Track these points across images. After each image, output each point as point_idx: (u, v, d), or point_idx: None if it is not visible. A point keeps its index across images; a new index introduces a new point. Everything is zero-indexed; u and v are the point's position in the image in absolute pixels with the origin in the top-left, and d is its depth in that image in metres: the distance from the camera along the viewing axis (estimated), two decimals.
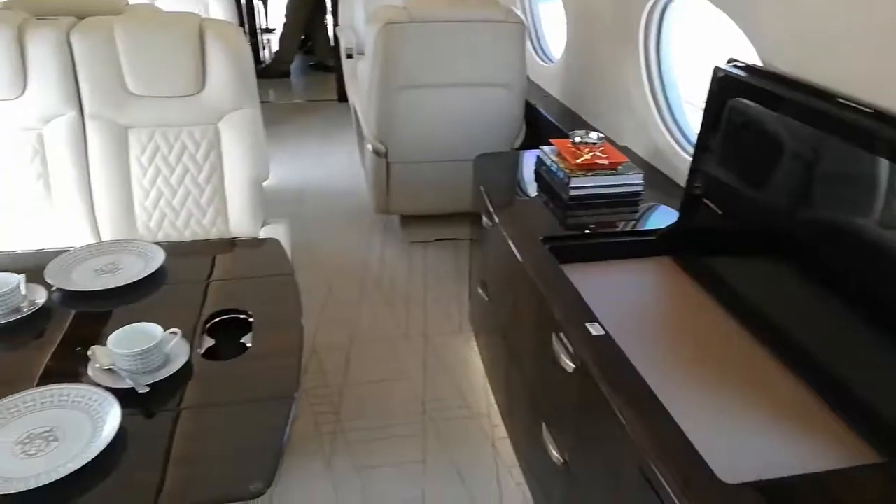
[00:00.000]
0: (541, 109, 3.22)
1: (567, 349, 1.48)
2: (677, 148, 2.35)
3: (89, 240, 2.20)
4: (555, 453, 1.62)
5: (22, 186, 2.12)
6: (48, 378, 1.26)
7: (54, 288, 1.49)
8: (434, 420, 2.27)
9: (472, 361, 2.56)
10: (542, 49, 3.75)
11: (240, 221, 2.29)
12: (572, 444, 1.56)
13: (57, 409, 1.14)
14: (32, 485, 0.99)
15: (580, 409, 1.49)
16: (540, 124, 3.21)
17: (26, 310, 1.39)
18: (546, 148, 2.32)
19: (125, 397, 1.17)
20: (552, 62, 3.56)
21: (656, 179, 2.29)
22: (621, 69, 2.57)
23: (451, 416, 2.29)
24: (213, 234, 2.30)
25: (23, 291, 1.40)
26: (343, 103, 5.49)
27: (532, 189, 2.28)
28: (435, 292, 3.00)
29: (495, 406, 2.30)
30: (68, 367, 1.28)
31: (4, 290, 1.36)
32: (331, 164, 4.35)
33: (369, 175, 3.30)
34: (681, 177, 2.23)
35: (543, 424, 1.70)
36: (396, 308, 2.89)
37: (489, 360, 2.42)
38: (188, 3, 4.55)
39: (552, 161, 2.24)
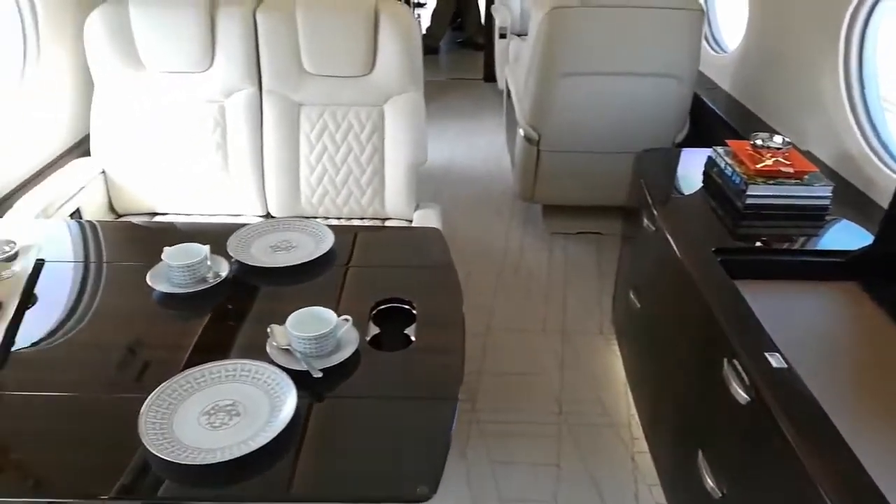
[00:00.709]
0: (709, 103, 3.01)
1: (741, 379, 1.37)
2: (873, 157, 2.10)
3: (258, 210, 2.32)
4: (710, 483, 1.51)
5: (203, 156, 2.26)
6: (229, 350, 1.32)
7: (234, 260, 1.56)
8: (570, 423, 2.21)
9: (614, 367, 2.46)
10: (713, 37, 3.49)
11: (395, 203, 2.33)
12: (734, 477, 1.44)
13: (239, 384, 1.20)
14: (218, 458, 1.04)
15: (750, 443, 1.37)
16: (705, 120, 3.00)
17: (211, 280, 1.47)
18: (720, 149, 2.15)
19: (298, 379, 1.20)
20: (725, 52, 3.31)
21: (845, 192, 2.06)
22: (813, 63, 2.33)
23: (589, 421, 2.22)
24: (370, 213, 2.35)
25: (208, 263, 1.48)
26: (489, 83, 5.44)
27: (698, 192, 2.13)
28: (576, 288, 2.92)
29: (637, 418, 2.20)
30: (248, 341, 1.34)
31: (194, 260, 1.45)
32: (474, 146, 4.33)
33: (517, 161, 3.24)
34: (876, 191, 2.00)
35: (699, 451, 1.59)
36: (534, 300, 2.84)
37: (634, 369, 2.31)
38: None
39: (727, 164, 2.07)
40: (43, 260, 1.56)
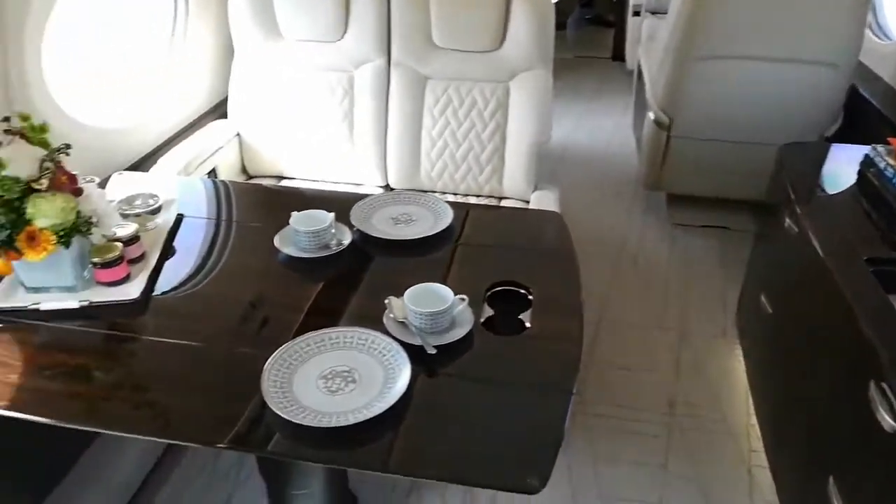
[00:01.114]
0: (867, 96, 2.72)
1: (890, 404, 1.23)
2: None
3: (378, 180, 2.35)
4: None
5: (330, 124, 2.31)
6: (349, 318, 1.34)
7: (356, 229, 1.58)
8: (682, 425, 2.10)
9: (735, 373, 2.31)
10: (877, 22, 3.15)
11: (514, 182, 2.28)
12: None
13: (355, 352, 1.21)
14: (333, 423, 1.06)
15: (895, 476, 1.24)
16: (862, 114, 2.72)
17: (334, 248, 1.50)
18: (880, 147, 1.94)
19: (412, 353, 1.20)
20: (890, 40, 2.98)
21: None
22: None
23: (703, 426, 2.10)
24: (486, 191, 2.32)
25: (332, 230, 1.51)
26: (617, 62, 5.23)
27: (850, 193, 1.93)
28: (698, 285, 2.76)
29: (757, 429, 2.06)
30: (364, 310, 1.35)
31: (319, 227, 1.48)
32: (597, 127, 4.19)
33: (644, 146, 3.09)
34: None
35: (830, 477, 1.46)
36: (652, 294, 2.71)
37: (758, 378, 2.16)
38: None
39: (887, 164, 1.86)
40: (182, 215, 1.65)
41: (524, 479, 1.00)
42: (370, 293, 1.42)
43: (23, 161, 1.21)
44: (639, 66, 3.64)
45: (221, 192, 1.88)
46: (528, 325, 1.34)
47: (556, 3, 6.28)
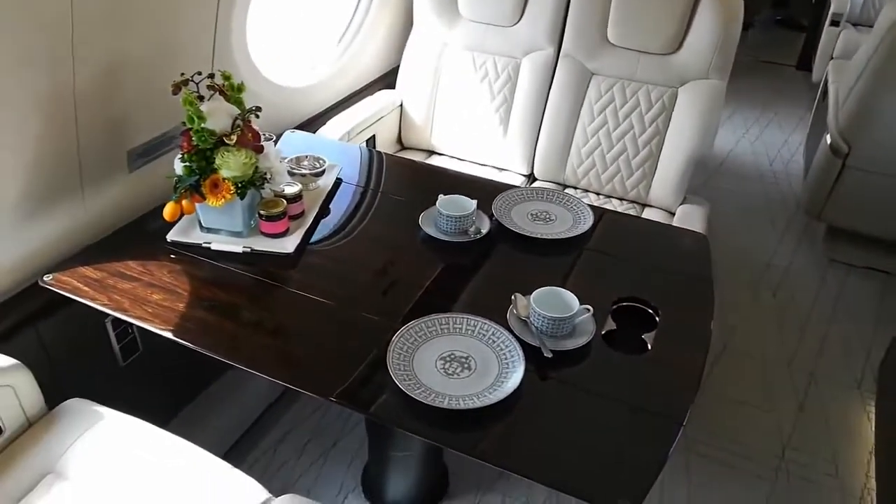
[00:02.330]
0: None
1: None
2: None
3: (522, 169, 2.39)
4: None
5: (488, 108, 2.37)
6: (472, 305, 1.41)
7: (494, 219, 1.64)
8: (791, 473, 2.01)
9: (862, 428, 2.16)
10: None
11: (661, 192, 2.23)
12: None
13: (476, 340, 1.28)
14: (445, 405, 1.14)
15: None
16: None
17: (472, 235, 1.56)
18: None
19: (529, 352, 1.25)
20: None
21: None
22: None
23: (813, 478, 2.00)
24: (631, 195, 2.29)
25: (473, 218, 1.58)
26: (802, 72, 4.84)
27: None
28: (842, 328, 2.57)
29: (874, 494, 1.93)
30: (489, 300, 1.41)
31: (463, 213, 1.55)
32: (765, 141, 3.93)
33: (813, 170, 2.88)
34: None
35: None
36: (787, 329, 2.57)
37: (887, 440, 2.01)
38: None
39: None
40: (340, 179, 1.79)
41: (615, 499, 1.03)
42: (497, 284, 1.48)
43: (219, 115, 1.37)
44: (825, 82, 3.36)
45: (376, 162, 2.00)
46: (649, 346, 1.34)
47: (746, 1, 5.87)
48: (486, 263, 1.57)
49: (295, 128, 2.16)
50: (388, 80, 2.58)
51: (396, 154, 2.52)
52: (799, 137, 3.91)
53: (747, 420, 2.18)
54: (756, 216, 3.24)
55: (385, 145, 2.49)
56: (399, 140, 2.55)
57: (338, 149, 2.06)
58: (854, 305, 2.69)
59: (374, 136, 2.38)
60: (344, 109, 2.36)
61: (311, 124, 2.26)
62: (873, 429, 2.14)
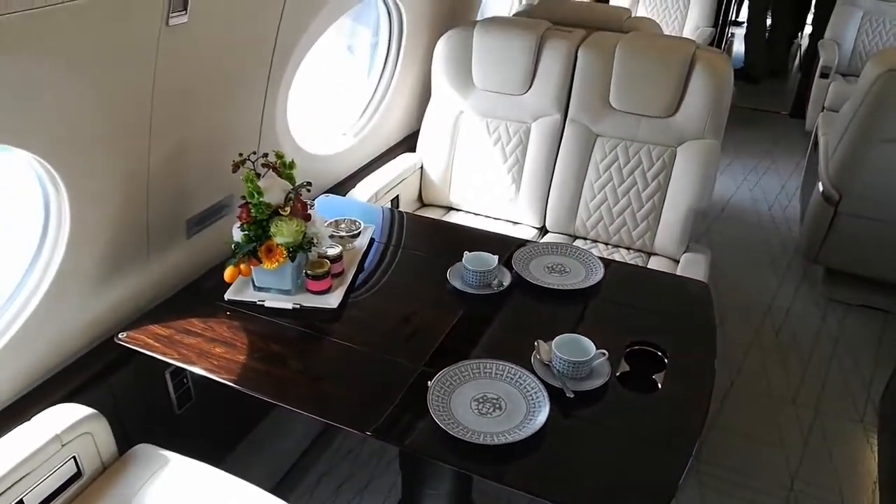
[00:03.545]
0: None
1: None
2: None
3: (535, 222, 2.58)
4: None
5: (502, 168, 2.57)
6: (496, 350, 1.58)
7: (515, 272, 1.81)
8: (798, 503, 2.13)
9: (865, 461, 2.28)
10: None
11: (665, 242, 2.41)
12: None
13: (505, 383, 1.44)
14: (481, 441, 1.29)
15: None
16: None
17: (495, 288, 1.74)
18: None
19: (552, 393, 1.41)
20: None
21: None
22: None
23: None
24: (637, 245, 2.46)
25: (496, 272, 1.75)
26: (795, 120, 5.07)
27: None
28: (844, 365, 2.71)
29: None
30: (516, 347, 1.57)
31: (487, 268, 1.73)
32: (763, 187, 4.13)
33: (808, 216, 3.06)
34: None
35: None
36: (791, 367, 2.71)
37: (890, 472, 2.13)
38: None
39: None
40: (374, 239, 1.98)
41: None
42: (519, 332, 1.65)
43: (274, 191, 1.57)
44: (815, 133, 3.57)
45: (398, 221, 2.19)
46: (660, 385, 1.50)
47: (746, 55, 6.00)
48: (510, 313, 1.74)
49: (327, 191, 2.36)
50: (408, 143, 2.80)
51: (417, 211, 2.71)
52: (795, 182, 4.10)
53: (756, 454, 2.30)
54: (757, 260, 3.41)
55: (407, 203, 2.69)
56: (420, 198, 2.75)
57: (367, 210, 2.25)
58: (854, 343, 2.83)
59: (398, 196, 2.58)
60: (370, 172, 2.57)
61: (341, 187, 2.47)
62: (877, 461, 2.26)
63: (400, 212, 2.35)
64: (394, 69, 2.65)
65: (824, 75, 4.29)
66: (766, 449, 2.33)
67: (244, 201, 1.57)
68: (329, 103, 2.73)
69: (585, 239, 2.54)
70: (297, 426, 2.17)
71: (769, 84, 5.97)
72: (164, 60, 1.44)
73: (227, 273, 1.60)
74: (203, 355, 1.51)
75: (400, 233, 2.12)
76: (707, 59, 2.29)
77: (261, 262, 1.58)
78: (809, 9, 5.71)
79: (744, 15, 7.06)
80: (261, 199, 1.53)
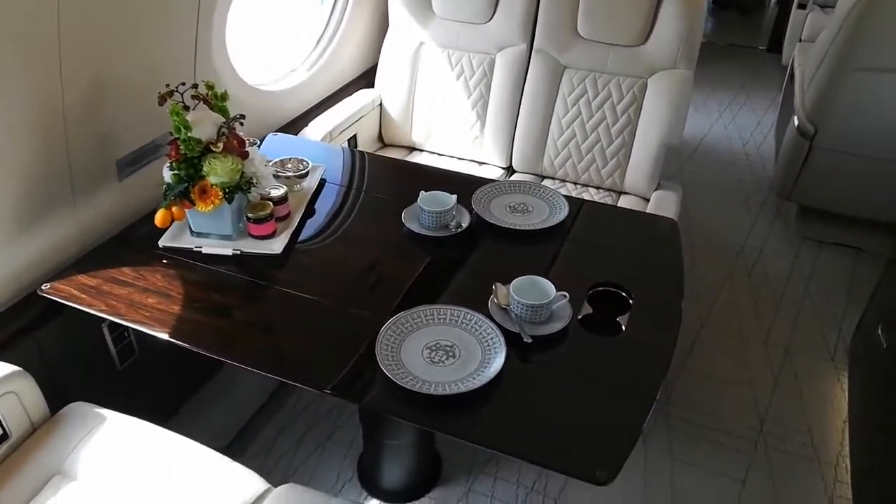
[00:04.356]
0: None
1: None
2: None
3: (501, 161, 2.46)
4: None
5: (466, 104, 2.43)
6: (454, 296, 1.48)
7: (474, 213, 1.71)
8: (769, 445, 2.10)
9: (835, 400, 2.26)
10: None
11: (636, 179, 2.31)
12: None
13: (459, 329, 1.35)
14: (432, 391, 1.21)
15: None
16: None
17: (453, 229, 1.63)
18: None
19: (510, 338, 1.32)
20: None
21: None
22: None
23: (790, 448, 2.09)
24: (607, 184, 2.37)
25: (454, 212, 1.64)
26: (773, 55, 4.94)
27: None
28: (815, 304, 2.67)
29: (848, 461, 2.03)
30: (469, 290, 1.48)
31: (443, 208, 1.61)
32: (737, 124, 4.03)
33: (783, 152, 2.97)
34: None
35: None
36: (762, 307, 2.66)
37: (862, 411, 2.10)
38: None
39: None
40: (325, 180, 1.85)
41: (593, 471, 1.11)
42: (477, 275, 1.56)
43: (205, 124, 1.43)
44: (791, 65, 3.46)
45: (359, 162, 2.05)
46: (623, 328, 1.42)
47: None
48: (468, 256, 1.64)
49: (277, 130, 2.21)
50: (366, 79, 2.64)
51: (378, 151, 2.58)
52: (771, 119, 4.00)
53: (726, 396, 2.27)
54: (731, 199, 3.33)
55: (366, 143, 2.55)
56: (380, 138, 2.61)
57: (320, 150, 2.11)
58: (826, 282, 2.79)
59: (355, 135, 2.44)
60: (325, 110, 2.41)
61: (294, 126, 2.32)
62: (847, 399, 2.24)
63: (355, 151, 2.22)
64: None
65: (802, 6, 4.15)
66: (736, 390, 2.29)
67: (172, 137, 1.42)
68: (282, 36, 2.55)
69: (553, 179, 2.43)
70: (252, 380, 2.07)
71: (745, 18, 5.82)
72: None
73: (158, 217, 1.47)
74: (134, 306, 1.40)
75: (354, 174, 1.99)
76: None
77: (194, 205, 1.45)
78: None
79: None
80: (189, 133, 1.38)
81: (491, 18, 2.33)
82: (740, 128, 3.99)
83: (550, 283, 1.40)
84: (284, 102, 2.30)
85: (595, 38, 2.24)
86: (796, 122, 2.80)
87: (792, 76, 3.33)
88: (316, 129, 2.27)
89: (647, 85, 2.24)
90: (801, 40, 4.03)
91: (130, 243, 1.60)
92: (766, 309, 2.65)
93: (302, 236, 1.66)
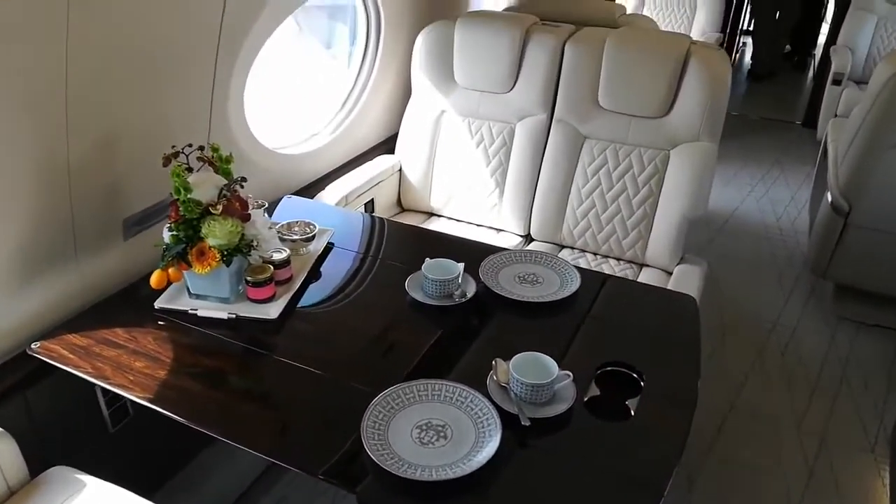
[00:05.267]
0: None
1: None
2: None
3: (519, 229, 2.41)
4: None
5: (485, 171, 2.41)
6: (456, 371, 1.40)
7: (482, 283, 1.64)
8: None
9: (876, 495, 2.08)
10: None
11: (658, 252, 2.23)
12: None
13: (454, 407, 1.27)
14: (418, 477, 1.12)
15: None
16: None
17: (457, 299, 1.57)
18: None
19: (508, 420, 1.24)
20: None
21: None
22: None
23: None
24: (628, 256, 2.29)
25: (459, 281, 1.58)
26: (808, 129, 4.87)
27: None
28: (854, 389, 2.50)
29: None
30: (472, 365, 1.40)
31: (446, 277, 1.56)
32: (770, 198, 3.93)
33: (816, 228, 2.87)
34: None
35: None
36: (796, 390, 2.50)
37: None
38: (677, 1, 4.53)
39: None
40: (332, 244, 1.82)
41: None
42: (481, 350, 1.48)
43: (206, 186, 1.42)
44: (825, 139, 3.38)
45: (372, 227, 2.02)
46: (633, 412, 1.32)
47: (754, 53, 6.08)
48: (472, 328, 1.57)
49: (293, 193, 2.21)
50: (387, 145, 2.65)
51: (396, 216, 2.55)
52: (805, 194, 3.90)
53: (755, 486, 2.11)
54: (763, 274, 3.21)
55: (384, 208, 2.53)
56: (399, 203, 2.59)
57: (333, 214, 2.10)
58: (865, 365, 2.63)
59: (372, 199, 2.42)
60: (344, 174, 2.41)
61: (311, 189, 2.32)
62: (888, 495, 2.05)
63: (370, 216, 2.19)
64: (372, 65, 2.50)
65: (836, 82, 4.10)
66: (767, 480, 2.13)
67: (173, 198, 1.41)
68: (305, 102, 2.59)
69: (573, 248, 2.37)
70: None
71: (780, 92, 5.78)
72: (76, 39, 1.29)
73: (154, 278, 1.45)
74: (121, 369, 1.35)
75: (366, 239, 1.96)
76: (703, 55, 2.12)
77: (191, 266, 1.42)
78: (822, 12, 5.59)
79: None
80: (189, 195, 1.37)
81: (512, 88, 2.33)
82: (774, 202, 3.89)
83: (553, 360, 1.31)
84: (303, 166, 2.31)
85: (616, 110, 2.21)
86: (829, 199, 2.70)
87: (826, 151, 3.25)
88: (332, 193, 2.26)
89: (669, 157, 2.18)
90: (836, 115, 3.97)
91: (129, 303, 1.57)
92: (801, 392, 2.49)
93: (304, 302, 1.61)
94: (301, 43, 2.73)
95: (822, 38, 5.83)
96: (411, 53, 2.46)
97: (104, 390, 1.60)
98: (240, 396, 1.37)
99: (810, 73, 6.24)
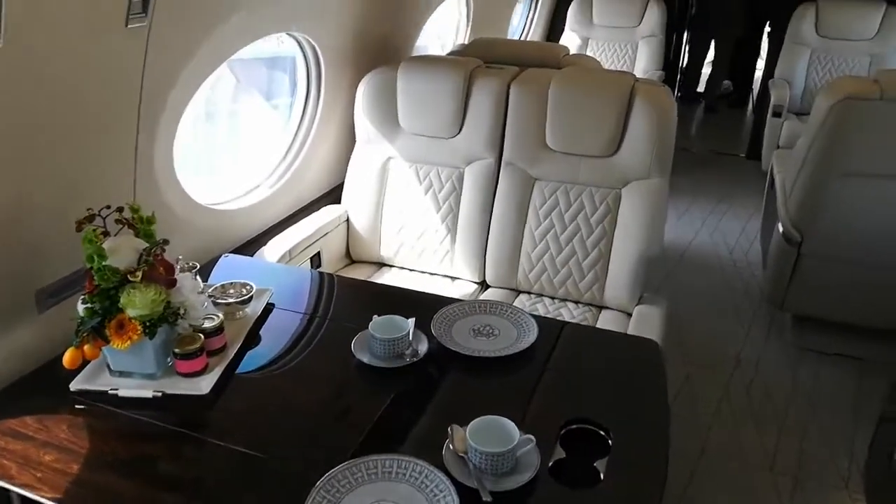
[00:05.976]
0: None
1: None
2: None
3: (474, 276, 2.32)
4: None
5: (435, 218, 2.32)
6: (410, 442, 1.28)
7: (434, 338, 1.54)
8: None
9: None
10: None
11: (616, 293, 2.17)
12: None
13: (407, 485, 1.15)
14: None
15: None
16: None
17: (409, 358, 1.46)
18: None
19: (467, 495, 1.12)
20: None
21: None
22: None
23: None
24: (586, 298, 2.22)
25: (409, 339, 1.48)
26: (752, 161, 4.96)
27: None
28: (822, 423, 2.45)
29: None
30: (427, 433, 1.29)
31: (395, 336, 1.45)
32: (722, 231, 3.94)
33: (770, 260, 2.86)
34: None
35: None
36: (765, 429, 2.44)
37: None
38: (619, 42, 4.62)
39: None
40: (272, 305, 1.69)
41: None
42: (436, 414, 1.37)
43: (124, 251, 1.29)
44: (771, 171, 3.42)
45: (317, 283, 1.91)
46: (601, 475, 1.22)
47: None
48: (425, 390, 1.45)
49: (233, 251, 2.08)
50: (333, 196, 2.55)
51: (344, 268, 2.44)
52: (755, 225, 3.93)
53: None
54: (722, 309, 3.18)
55: (333, 261, 2.41)
56: (347, 254, 2.48)
57: (273, 271, 1.98)
58: (831, 397, 2.59)
59: (318, 252, 2.31)
60: (287, 227, 2.29)
61: (252, 246, 2.19)
62: None
63: (315, 272, 2.08)
64: (314, 114, 2.41)
65: (777, 114, 4.19)
66: None
67: (87, 267, 1.28)
68: (245, 155, 2.49)
69: (530, 293, 2.29)
70: None
71: (723, 125, 5.93)
72: None
73: (67, 357, 1.29)
74: (27, 466, 1.19)
75: (311, 297, 1.84)
76: (647, 91, 2.10)
77: (108, 342, 1.28)
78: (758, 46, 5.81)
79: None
80: (104, 262, 1.24)
81: (458, 133, 2.27)
82: (725, 234, 3.91)
83: (513, 423, 1.21)
84: (243, 221, 2.19)
85: (564, 150, 2.17)
86: (781, 230, 2.70)
87: (773, 183, 3.28)
88: (274, 249, 2.14)
89: (620, 195, 2.14)
90: (778, 146, 4.04)
91: (41, 386, 1.40)
92: (769, 430, 2.43)
93: (241, 370, 1.47)
94: (240, 96, 2.64)
95: (758, 73, 6.01)
96: (354, 100, 2.38)
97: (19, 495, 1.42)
98: (166, 486, 1.21)
99: (749, 107, 6.42)
